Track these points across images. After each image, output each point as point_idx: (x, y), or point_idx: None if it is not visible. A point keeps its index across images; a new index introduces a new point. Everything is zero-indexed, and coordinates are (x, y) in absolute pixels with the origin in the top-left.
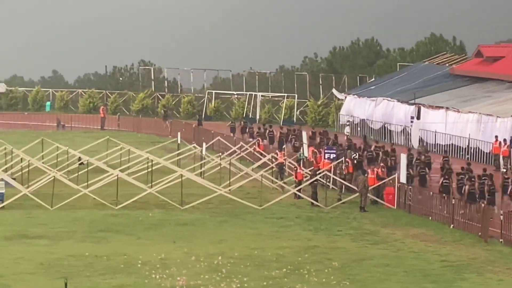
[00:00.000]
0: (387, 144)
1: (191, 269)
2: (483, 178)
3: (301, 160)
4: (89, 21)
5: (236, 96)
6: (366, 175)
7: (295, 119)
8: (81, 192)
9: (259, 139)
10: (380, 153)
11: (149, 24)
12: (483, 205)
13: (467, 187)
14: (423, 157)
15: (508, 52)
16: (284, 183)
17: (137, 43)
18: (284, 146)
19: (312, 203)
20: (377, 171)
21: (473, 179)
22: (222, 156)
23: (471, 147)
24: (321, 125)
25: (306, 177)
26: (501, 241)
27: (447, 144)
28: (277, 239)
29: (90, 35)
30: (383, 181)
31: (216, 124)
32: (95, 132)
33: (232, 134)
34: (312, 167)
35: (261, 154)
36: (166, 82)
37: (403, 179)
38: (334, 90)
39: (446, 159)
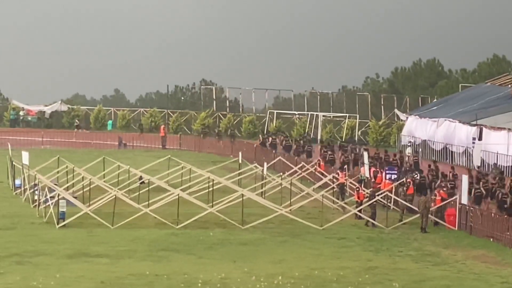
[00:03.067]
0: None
1: None
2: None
3: (363, 181)
4: (151, 41)
5: (297, 116)
6: (426, 196)
7: (356, 139)
8: (142, 211)
9: (320, 159)
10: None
11: (210, 43)
12: None
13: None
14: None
15: None
16: (345, 203)
17: (198, 63)
18: (345, 166)
19: (367, 222)
20: (442, 193)
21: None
22: (283, 176)
23: None
24: (382, 145)
25: (367, 197)
26: None
27: (509, 166)
28: (337, 259)
29: (152, 54)
30: (444, 202)
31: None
32: (156, 151)
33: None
34: (372, 188)
35: (322, 174)
36: (227, 101)
37: (464, 200)
38: (396, 110)
39: None
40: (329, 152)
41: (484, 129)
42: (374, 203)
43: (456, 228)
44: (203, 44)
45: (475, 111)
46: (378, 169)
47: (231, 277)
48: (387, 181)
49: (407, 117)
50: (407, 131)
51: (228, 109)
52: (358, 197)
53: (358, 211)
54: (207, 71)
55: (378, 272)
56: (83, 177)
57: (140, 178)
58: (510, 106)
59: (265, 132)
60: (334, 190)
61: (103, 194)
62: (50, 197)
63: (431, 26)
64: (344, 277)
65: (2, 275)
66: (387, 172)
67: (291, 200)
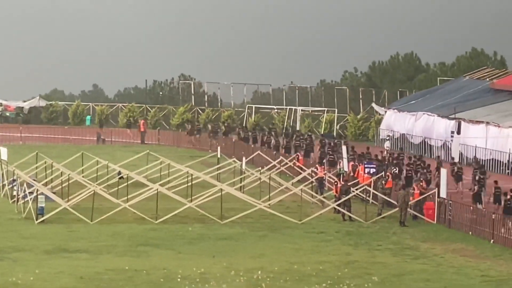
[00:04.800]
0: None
1: (230, 283)
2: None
3: (341, 175)
4: (128, 35)
5: (276, 110)
6: (405, 189)
7: (335, 134)
8: (121, 206)
9: (299, 153)
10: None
11: (189, 38)
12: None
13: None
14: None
15: None
16: (324, 197)
17: (177, 58)
18: (324, 160)
19: (344, 216)
20: (420, 186)
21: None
22: (261, 171)
23: None
24: (361, 139)
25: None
26: None
27: (487, 159)
28: (317, 253)
29: (129, 49)
30: (423, 196)
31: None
32: (135, 146)
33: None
34: (344, 183)
35: (301, 168)
36: (206, 96)
37: (443, 194)
38: (374, 104)
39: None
40: (273, 139)
41: (462, 122)
42: (349, 198)
43: (435, 222)
44: (181, 39)
45: (453, 104)
46: (356, 163)
47: (210, 272)
48: (365, 175)
49: (385, 111)
50: (385, 125)
51: (206, 104)
52: (337, 191)
53: (337, 205)
54: (185, 66)
55: (357, 266)
56: (61, 172)
57: (119, 173)
58: (489, 100)
59: (243, 126)
60: (313, 184)
61: (82, 190)
62: (29, 192)
63: (408, 20)
64: (323, 271)
65: None
66: (366, 166)
67: (270, 195)
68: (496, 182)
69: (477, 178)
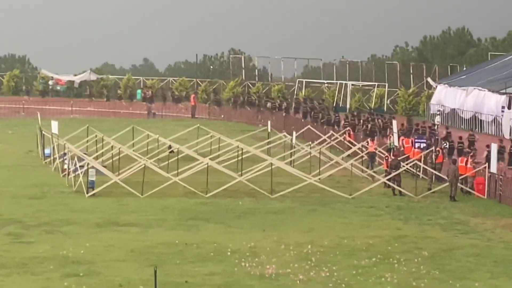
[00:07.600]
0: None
1: (280, 257)
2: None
3: (392, 149)
4: (179, 10)
5: (326, 85)
6: (456, 164)
7: (385, 108)
8: (171, 180)
9: (349, 128)
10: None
11: (239, 12)
12: None
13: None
14: None
15: None
16: (374, 172)
17: (227, 32)
18: (376, 135)
19: (394, 190)
20: (466, 160)
21: None
22: (312, 145)
23: None
24: (411, 114)
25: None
26: None
27: None
28: (366, 228)
29: (180, 23)
30: (474, 170)
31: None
32: (185, 121)
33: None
34: (394, 158)
35: (351, 143)
36: (256, 70)
37: (493, 169)
38: (429, 79)
39: None
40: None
41: None
42: (399, 172)
43: (486, 197)
44: (231, 13)
45: (504, 79)
46: (405, 138)
47: (260, 246)
48: (416, 149)
49: (436, 86)
50: (436, 99)
51: (257, 78)
52: (387, 166)
53: (387, 180)
54: (235, 40)
55: (407, 240)
56: (112, 146)
57: (169, 147)
58: None
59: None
60: (364, 159)
61: (132, 163)
62: (80, 166)
63: None
64: (373, 245)
65: (32, 244)
66: (416, 140)
67: (320, 169)
68: (460, 137)
69: None
